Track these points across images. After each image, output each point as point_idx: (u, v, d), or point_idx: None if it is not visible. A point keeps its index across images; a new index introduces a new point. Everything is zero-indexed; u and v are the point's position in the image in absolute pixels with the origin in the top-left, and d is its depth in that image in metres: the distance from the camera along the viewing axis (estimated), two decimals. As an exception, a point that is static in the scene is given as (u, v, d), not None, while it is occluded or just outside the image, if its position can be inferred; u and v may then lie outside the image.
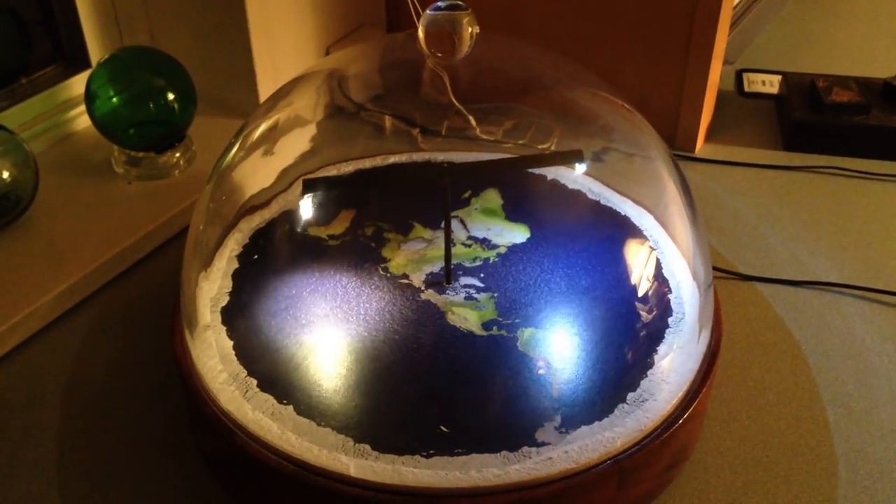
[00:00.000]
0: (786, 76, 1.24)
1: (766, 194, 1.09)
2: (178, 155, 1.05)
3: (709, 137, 1.19)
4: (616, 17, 1.12)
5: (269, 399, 0.70)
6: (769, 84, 1.29)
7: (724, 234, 1.02)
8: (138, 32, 1.15)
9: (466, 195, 0.92)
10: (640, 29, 1.12)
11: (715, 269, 0.94)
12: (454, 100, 0.81)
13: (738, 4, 1.37)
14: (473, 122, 0.88)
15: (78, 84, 1.11)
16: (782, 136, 1.19)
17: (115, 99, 1.01)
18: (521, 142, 0.98)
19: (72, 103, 1.11)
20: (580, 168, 0.91)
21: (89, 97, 1.01)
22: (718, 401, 0.81)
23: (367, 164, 0.97)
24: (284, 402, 0.69)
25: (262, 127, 0.82)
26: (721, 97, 1.24)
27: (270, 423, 0.68)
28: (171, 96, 1.02)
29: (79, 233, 0.96)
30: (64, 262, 0.92)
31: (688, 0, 1.07)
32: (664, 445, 0.68)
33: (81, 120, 1.10)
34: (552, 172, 0.95)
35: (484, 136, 0.96)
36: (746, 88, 1.29)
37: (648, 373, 0.72)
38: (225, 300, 0.79)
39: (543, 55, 0.89)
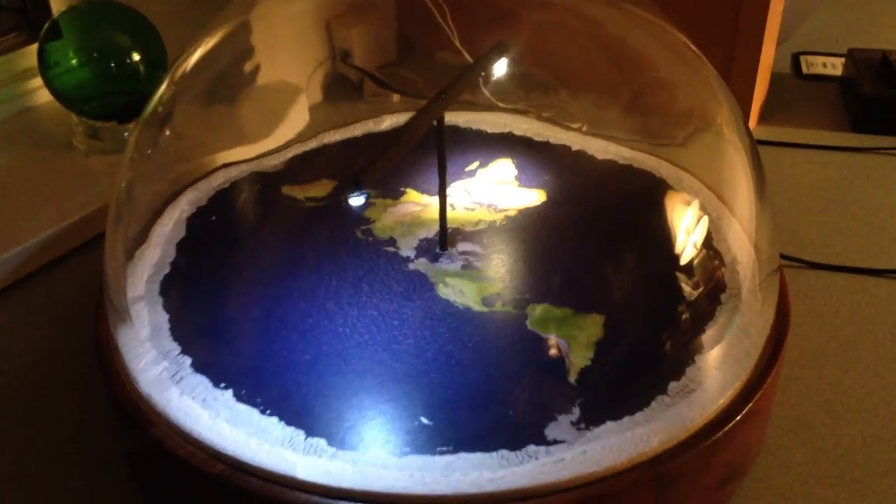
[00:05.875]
0: (852, 52, 1.07)
1: (833, 178, 0.92)
2: (145, 126, 0.91)
3: (762, 119, 1.03)
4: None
5: (203, 382, 0.54)
6: (831, 66, 1.13)
7: (784, 218, 0.85)
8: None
9: (473, 167, 0.76)
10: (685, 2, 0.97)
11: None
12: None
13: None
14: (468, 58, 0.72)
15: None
16: (849, 116, 1.02)
17: (73, 61, 0.87)
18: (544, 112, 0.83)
19: (33, 72, 0.98)
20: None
21: (43, 61, 0.88)
22: (785, 406, 0.64)
23: (358, 131, 0.82)
24: (222, 385, 0.54)
25: (200, 56, 0.66)
26: (775, 80, 1.08)
27: (200, 410, 0.52)
28: (136, 57, 0.89)
29: (20, 208, 0.82)
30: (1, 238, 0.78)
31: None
32: (716, 450, 0.51)
33: (44, 92, 0.97)
34: (578, 143, 0.80)
35: (494, 99, 0.81)
36: (805, 71, 1.13)
37: (696, 357, 0.55)
38: (167, 269, 0.64)
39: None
